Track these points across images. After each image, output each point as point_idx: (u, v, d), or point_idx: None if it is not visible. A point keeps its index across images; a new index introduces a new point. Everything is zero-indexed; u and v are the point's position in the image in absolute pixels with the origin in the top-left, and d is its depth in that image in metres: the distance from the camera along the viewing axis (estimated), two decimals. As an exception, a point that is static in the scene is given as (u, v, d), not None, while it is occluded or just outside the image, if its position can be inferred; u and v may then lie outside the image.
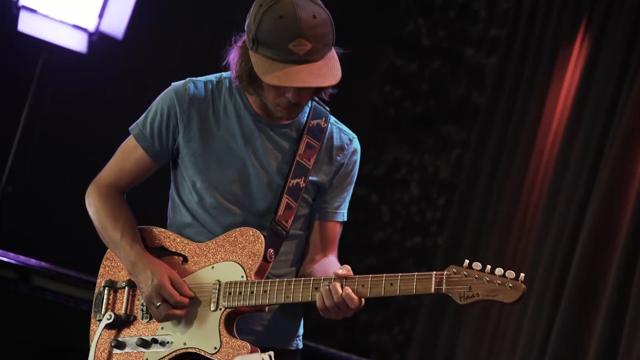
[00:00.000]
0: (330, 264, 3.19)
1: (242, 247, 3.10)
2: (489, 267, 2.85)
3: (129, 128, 3.23)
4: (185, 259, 3.17)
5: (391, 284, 2.91)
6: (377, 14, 6.64)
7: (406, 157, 6.49)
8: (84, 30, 5.34)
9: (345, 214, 3.27)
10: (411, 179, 6.45)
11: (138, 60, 5.75)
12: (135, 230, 3.19)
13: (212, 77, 3.21)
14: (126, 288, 3.20)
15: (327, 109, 3.23)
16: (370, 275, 2.94)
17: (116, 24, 5.33)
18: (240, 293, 3.06)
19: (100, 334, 3.17)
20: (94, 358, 3.17)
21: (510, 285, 2.82)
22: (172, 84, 3.20)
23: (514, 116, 5.76)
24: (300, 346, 3.28)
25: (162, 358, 3.11)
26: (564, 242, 5.23)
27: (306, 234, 3.24)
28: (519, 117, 5.72)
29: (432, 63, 6.49)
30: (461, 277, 2.85)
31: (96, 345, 3.17)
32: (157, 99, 3.21)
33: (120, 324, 3.18)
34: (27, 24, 5.22)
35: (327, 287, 2.95)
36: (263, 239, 3.08)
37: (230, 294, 3.07)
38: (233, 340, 3.04)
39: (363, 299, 2.94)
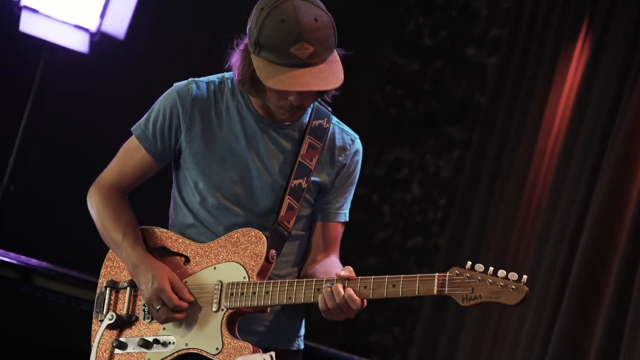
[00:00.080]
0: (332, 265, 3.19)
1: (244, 248, 3.10)
2: (491, 268, 2.84)
3: (131, 128, 3.23)
4: (187, 260, 3.17)
5: (393, 286, 2.91)
6: (379, 14, 6.64)
7: (408, 157, 6.49)
8: (86, 30, 5.33)
9: (347, 215, 3.27)
10: (413, 179, 6.45)
11: (140, 61, 5.75)
12: (137, 231, 3.19)
13: (214, 77, 3.21)
14: (128, 288, 3.20)
15: (329, 109, 3.23)
16: (373, 277, 2.93)
17: (118, 24, 5.33)
18: (242, 294, 3.05)
19: (102, 334, 3.17)
20: (96, 358, 3.17)
21: (512, 287, 2.82)
22: (175, 84, 3.20)
23: (515, 116, 5.76)
24: (302, 346, 3.28)
25: (163, 358, 3.11)
26: (565, 242, 5.22)
27: (308, 235, 3.24)
28: (520, 117, 5.72)
29: (433, 63, 6.48)
30: (464, 278, 2.85)
31: (98, 346, 3.17)
32: (160, 99, 3.21)
33: (122, 324, 3.18)
34: (28, 24, 5.22)
35: (329, 288, 2.95)
36: (265, 240, 3.08)
37: (232, 294, 3.07)
38: (235, 341, 3.04)
39: (365, 301, 2.94)
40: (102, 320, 3.19)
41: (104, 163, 3.28)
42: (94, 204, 3.23)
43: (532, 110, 5.65)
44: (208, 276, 3.12)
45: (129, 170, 3.23)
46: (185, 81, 3.19)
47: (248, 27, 3.02)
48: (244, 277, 3.07)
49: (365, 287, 2.94)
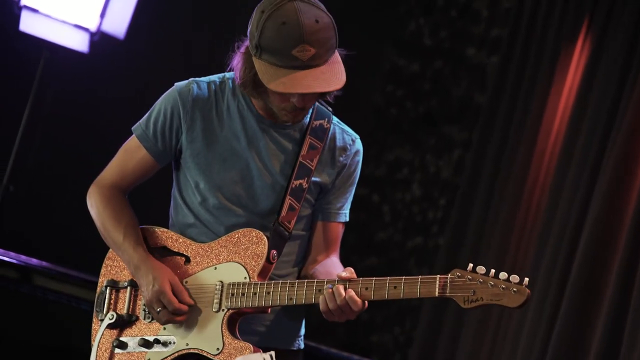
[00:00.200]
0: (332, 265, 3.19)
1: (245, 248, 3.10)
2: (492, 271, 2.84)
3: (132, 128, 3.22)
4: (187, 260, 3.17)
5: (395, 287, 2.90)
6: (379, 14, 6.64)
7: (408, 157, 6.49)
8: (86, 30, 5.33)
9: (348, 215, 3.27)
10: (413, 179, 6.44)
11: (140, 61, 5.75)
12: (138, 231, 3.18)
13: (215, 77, 3.21)
14: (128, 288, 3.20)
15: (330, 109, 3.23)
16: (374, 278, 2.93)
17: (118, 23, 5.33)
18: (243, 294, 3.05)
19: (102, 333, 3.17)
20: (96, 358, 3.17)
21: (514, 289, 2.81)
22: (175, 84, 3.20)
23: (515, 116, 5.76)
24: (302, 346, 3.28)
25: (164, 358, 3.11)
26: (565, 241, 5.23)
27: (308, 235, 3.24)
28: (520, 117, 5.72)
29: (434, 63, 6.48)
30: (465, 281, 2.84)
31: (98, 345, 3.17)
32: (160, 99, 3.20)
33: (122, 323, 3.18)
34: (28, 24, 5.21)
35: (331, 289, 2.95)
36: (266, 240, 3.08)
37: (232, 295, 3.06)
38: (235, 341, 3.04)
39: (366, 302, 2.94)
40: (102, 320, 3.19)
41: (104, 163, 3.27)
42: (94, 204, 3.22)
43: (532, 110, 5.65)
44: (209, 276, 3.11)
45: (129, 170, 3.22)
46: (186, 81, 3.19)
47: (249, 30, 3.01)
48: (245, 278, 3.07)
49: (366, 288, 2.94)
